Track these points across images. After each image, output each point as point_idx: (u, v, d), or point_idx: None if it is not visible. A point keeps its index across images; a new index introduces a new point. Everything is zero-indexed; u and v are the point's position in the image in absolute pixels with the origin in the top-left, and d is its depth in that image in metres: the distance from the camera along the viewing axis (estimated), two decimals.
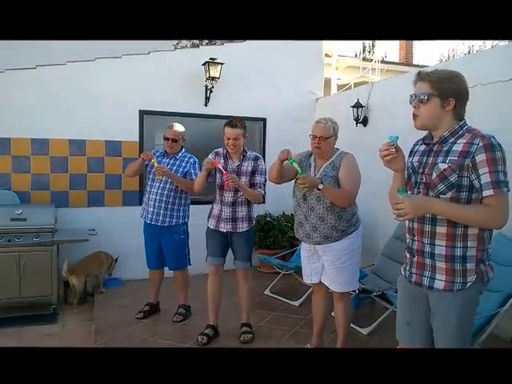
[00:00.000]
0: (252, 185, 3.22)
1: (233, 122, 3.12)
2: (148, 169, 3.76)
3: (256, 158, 3.26)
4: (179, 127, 3.70)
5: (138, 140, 4.88)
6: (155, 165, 3.45)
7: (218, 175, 3.24)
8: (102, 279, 4.56)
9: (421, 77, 1.77)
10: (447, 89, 1.72)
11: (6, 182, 4.42)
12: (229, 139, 3.12)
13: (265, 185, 3.26)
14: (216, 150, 3.30)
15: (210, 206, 3.38)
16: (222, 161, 3.23)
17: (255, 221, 3.46)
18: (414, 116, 1.80)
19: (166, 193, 3.63)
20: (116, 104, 4.75)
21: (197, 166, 3.69)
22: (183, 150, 3.77)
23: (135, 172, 3.84)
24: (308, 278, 3.02)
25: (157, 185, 3.64)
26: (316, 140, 2.80)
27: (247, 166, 3.22)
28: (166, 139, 3.65)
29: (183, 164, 3.67)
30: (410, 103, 1.81)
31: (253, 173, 3.22)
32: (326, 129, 2.81)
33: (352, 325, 3.33)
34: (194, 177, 3.59)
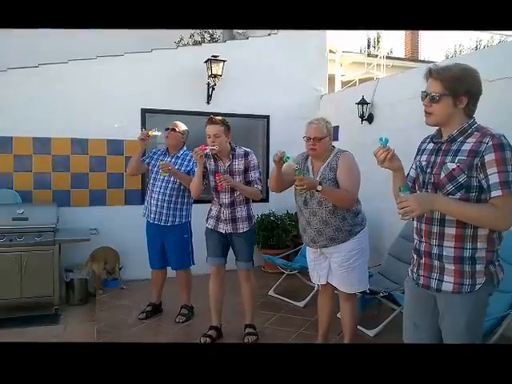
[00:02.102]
0: (248, 182, 3.16)
1: (212, 118, 3.08)
2: (150, 167, 3.72)
3: (246, 154, 3.17)
4: (181, 124, 3.71)
5: None
6: (151, 134, 3.57)
7: (211, 177, 3.18)
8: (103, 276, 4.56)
9: (433, 75, 1.71)
10: (459, 88, 1.68)
11: (7, 181, 4.40)
12: (209, 137, 3.05)
13: (260, 180, 3.20)
14: (206, 151, 3.23)
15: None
16: (212, 163, 3.17)
17: (258, 220, 3.39)
18: (427, 113, 1.76)
19: (168, 192, 3.58)
20: (118, 103, 4.72)
21: None
22: (185, 148, 3.72)
23: (136, 168, 3.75)
24: (316, 281, 2.98)
25: (159, 184, 3.60)
26: (310, 142, 2.71)
27: (238, 164, 3.15)
28: (166, 129, 3.65)
29: (185, 162, 3.63)
30: (422, 100, 1.77)
31: (246, 170, 3.15)
32: (319, 129, 2.72)
33: (358, 326, 3.27)
34: None
